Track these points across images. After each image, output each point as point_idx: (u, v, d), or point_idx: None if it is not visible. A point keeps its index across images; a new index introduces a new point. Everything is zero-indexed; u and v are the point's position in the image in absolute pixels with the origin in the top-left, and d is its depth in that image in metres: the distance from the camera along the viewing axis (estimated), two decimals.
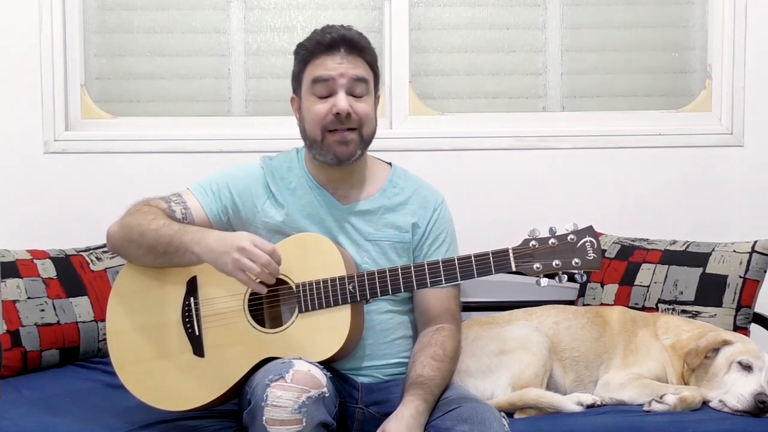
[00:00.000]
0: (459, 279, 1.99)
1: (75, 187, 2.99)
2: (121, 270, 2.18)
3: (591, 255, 1.94)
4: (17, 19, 2.96)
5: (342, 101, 2.05)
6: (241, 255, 1.91)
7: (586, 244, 1.94)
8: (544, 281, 1.95)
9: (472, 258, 1.97)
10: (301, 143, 2.19)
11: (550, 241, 1.95)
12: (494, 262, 1.96)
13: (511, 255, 1.95)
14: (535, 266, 1.94)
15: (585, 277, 1.96)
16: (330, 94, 2.07)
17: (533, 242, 1.95)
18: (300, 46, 2.14)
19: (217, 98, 3.12)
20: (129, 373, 2.10)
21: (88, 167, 2.99)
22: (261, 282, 1.95)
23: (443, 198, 2.25)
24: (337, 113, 2.05)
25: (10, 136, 2.98)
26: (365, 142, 2.11)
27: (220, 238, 1.96)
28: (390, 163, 2.26)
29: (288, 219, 2.14)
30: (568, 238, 1.95)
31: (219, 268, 1.95)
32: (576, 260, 1.94)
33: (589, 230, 1.96)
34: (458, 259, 1.99)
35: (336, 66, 2.06)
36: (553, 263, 1.94)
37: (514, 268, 1.97)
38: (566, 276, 1.95)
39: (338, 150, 2.08)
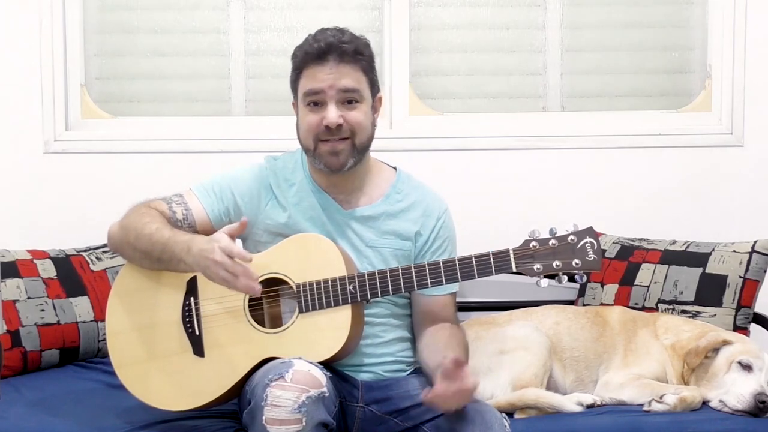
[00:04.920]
0: (459, 279, 1.99)
1: (75, 187, 2.98)
2: (121, 269, 2.17)
3: (591, 256, 1.94)
4: (17, 19, 2.96)
5: (332, 113, 2.04)
6: (218, 268, 1.91)
7: (587, 245, 1.95)
8: (545, 282, 1.95)
9: (473, 258, 1.97)
10: None
11: (550, 242, 1.95)
12: (495, 262, 1.96)
13: (511, 256, 1.96)
14: (535, 267, 1.94)
15: (585, 278, 1.96)
16: (321, 104, 2.06)
17: (534, 243, 1.95)
18: (294, 51, 2.12)
19: (217, 98, 3.12)
20: (129, 372, 2.10)
21: (88, 167, 2.99)
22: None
23: (447, 206, 2.23)
24: (327, 126, 2.05)
25: (10, 136, 2.98)
26: (359, 150, 2.09)
27: (201, 250, 1.94)
28: (395, 168, 2.24)
29: (290, 221, 2.13)
30: (569, 239, 1.95)
31: (209, 279, 1.96)
32: (576, 261, 1.94)
33: (590, 231, 1.96)
34: (459, 260, 1.99)
35: (325, 77, 2.03)
36: (554, 264, 1.94)
37: (514, 269, 1.97)
38: (566, 276, 1.95)
39: (329, 160, 2.08)
